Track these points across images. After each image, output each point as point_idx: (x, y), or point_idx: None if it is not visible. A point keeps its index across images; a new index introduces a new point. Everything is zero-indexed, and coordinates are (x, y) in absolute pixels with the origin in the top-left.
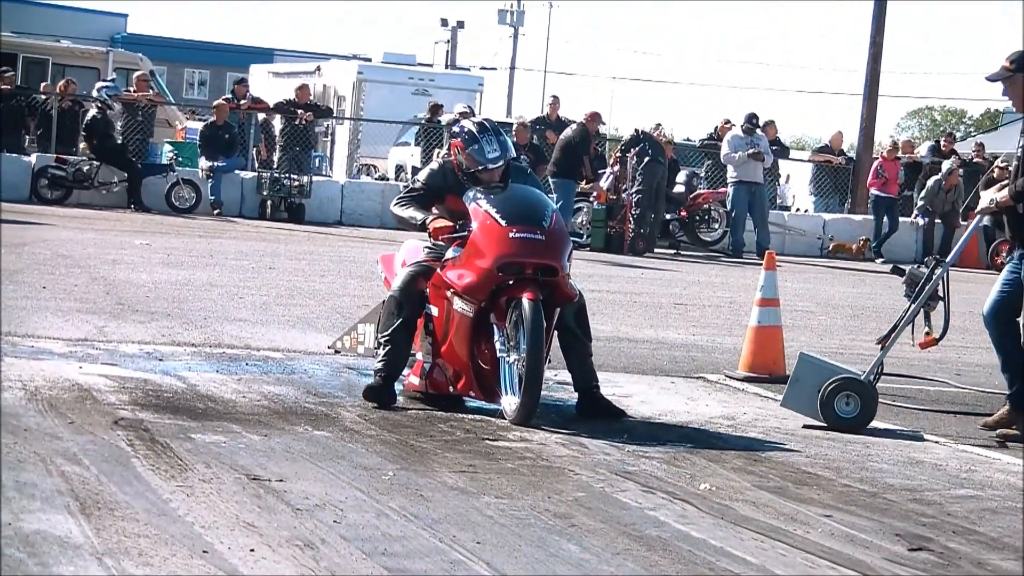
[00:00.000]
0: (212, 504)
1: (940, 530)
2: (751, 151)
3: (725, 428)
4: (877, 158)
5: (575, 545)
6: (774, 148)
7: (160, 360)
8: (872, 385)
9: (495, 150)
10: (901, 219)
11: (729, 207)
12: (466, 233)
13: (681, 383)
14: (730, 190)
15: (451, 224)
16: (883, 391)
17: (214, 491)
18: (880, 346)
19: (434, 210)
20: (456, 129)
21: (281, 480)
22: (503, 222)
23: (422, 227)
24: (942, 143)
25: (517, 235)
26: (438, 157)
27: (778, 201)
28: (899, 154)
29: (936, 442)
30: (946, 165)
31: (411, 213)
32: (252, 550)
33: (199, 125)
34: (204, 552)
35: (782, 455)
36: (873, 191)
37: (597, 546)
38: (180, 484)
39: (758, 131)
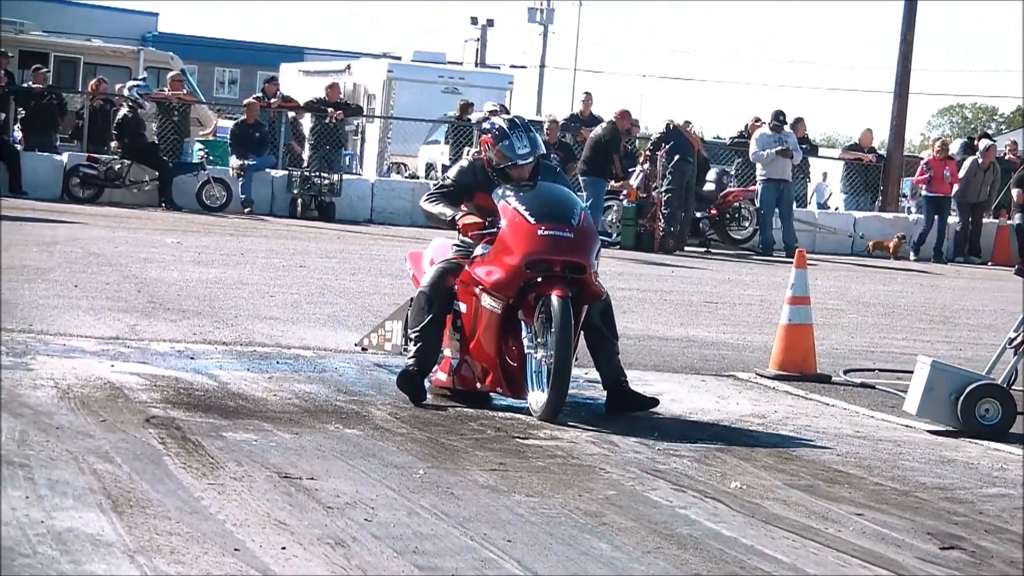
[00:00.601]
0: (243, 502)
1: (972, 529)
2: (779, 148)
3: (756, 426)
4: (926, 157)
5: (606, 543)
6: (803, 147)
7: (191, 358)
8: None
9: (525, 146)
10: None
11: (758, 205)
12: (495, 230)
13: (712, 381)
14: (759, 188)
15: (480, 221)
16: None
17: (245, 489)
18: (1015, 351)
19: (463, 207)
20: (487, 125)
21: (312, 478)
22: (532, 219)
23: (451, 224)
24: (975, 142)
25: (546, 232)
26: (467, 155)
27: (814, 199)
28: (950, 154)
29: (968, 441)
30: (983, 143)
31: (440, 209)
32: (283, 548)
33: (229, 124)
34: (235, 550)
35: (813, 453)
36: (922, 190)
37: (628, 544)
38: (211, 482)
39: (786, 128)
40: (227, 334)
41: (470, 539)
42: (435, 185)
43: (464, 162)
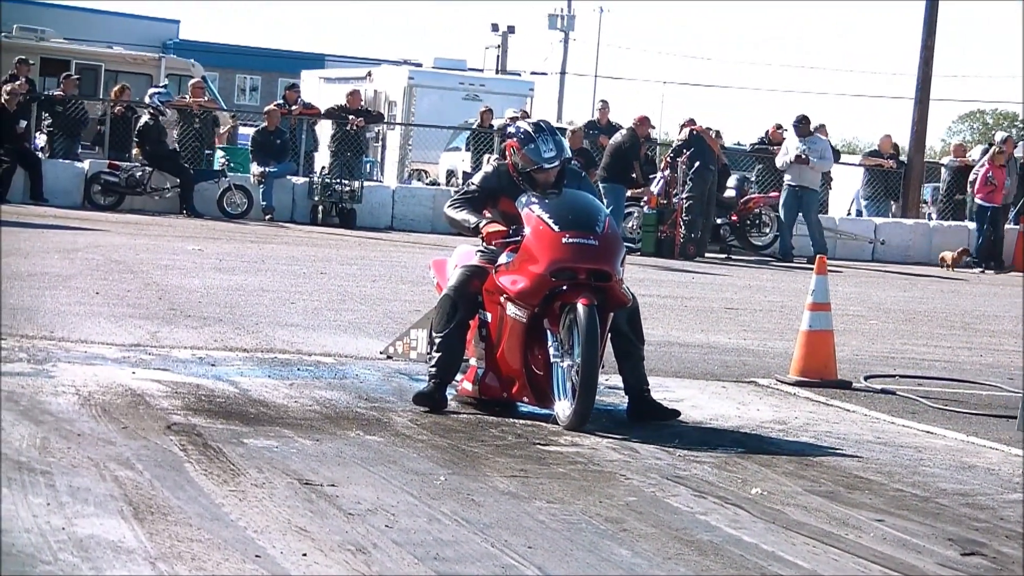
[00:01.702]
0: (264, 509)
1: (993, 535)
2: (796, 154)
3: (776, 432)
4: (984, 165)
5: (626, 550)
6: None
7: (212, 365)
8: None
9: (551, 150)
10: (954, 223)
11: (780, 211)
12: (519, 238)
13: (732, 387)
14: (782, 194)
15: (504, 229)
16: (935, 396)
17: (266, 496)
18: None
19: (487, 214)
20: (512, 129)
21: (333, 485)
22: (556, 227)
23: (475, 231)
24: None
25: (570, 240)
26: (488, 163)
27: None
28: (1004, 161)
29: (989, 447)
30: (999, 136)
31: (464, 216)
32: (304, 554)
33: (250, 131)
34: (256, 556)
35: (834, 459)
36: (978, 200)
37: (648, 551)
38: (232, 489)
39: (816, 134)
40: (248, 341)
41: (491, 545)
42: (458, 191)
43: (488, 168)
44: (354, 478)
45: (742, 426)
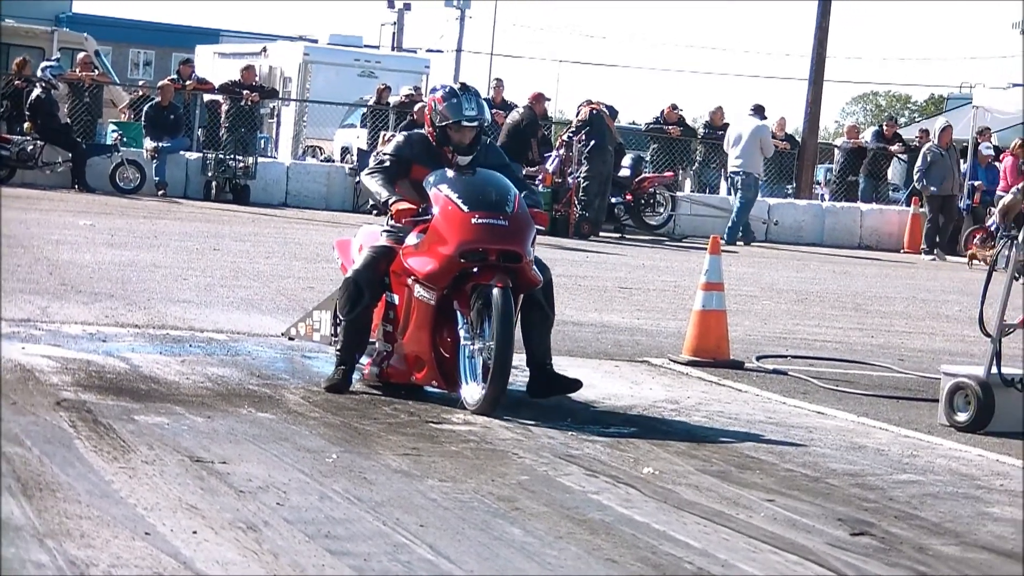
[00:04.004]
0: (155, 486)
1: (882, 515)
2: None
3: (669, 412)
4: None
5: (518, 528)
6: (719, 132)
7: (103, 341)
8: None
9: (473, 108)
10: (847, 204)
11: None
12: (428, 217)
13: (625, 367)
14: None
15: (413, 207)
16: (827, 376)
17: (157, 473)
18: None
19: (401, 184)
20: (437, 87)
21: (224, 462)
22: (465, 208)
23: (385, 206)
24: (884, 127)
25: (479, 221)
26: (383, 141)
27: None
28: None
29: (879, 427)
30: (940, 122)
31: (378, 188)
32: (195, 532)
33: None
34: (146, 534)
35: (725, 439)
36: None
37: (540, 529)
38: (123, 466)
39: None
40: (139, 317)
41: (382, 524)
42: (375, 159)
43: (400, 137)
44: (245, 455)
45: (634, 405)
